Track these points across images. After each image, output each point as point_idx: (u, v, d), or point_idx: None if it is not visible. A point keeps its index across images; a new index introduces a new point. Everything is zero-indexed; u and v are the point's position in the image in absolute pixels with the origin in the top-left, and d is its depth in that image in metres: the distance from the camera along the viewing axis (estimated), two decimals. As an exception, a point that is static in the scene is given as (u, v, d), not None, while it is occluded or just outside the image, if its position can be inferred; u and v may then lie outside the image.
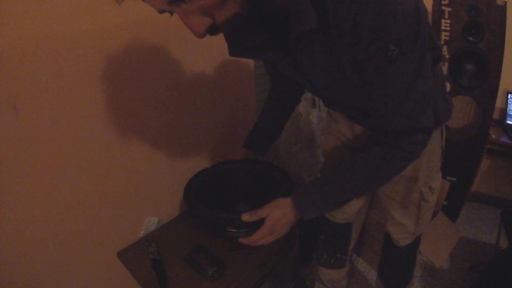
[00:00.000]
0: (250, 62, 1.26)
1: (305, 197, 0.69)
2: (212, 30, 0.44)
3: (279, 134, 1.03)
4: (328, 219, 1.11)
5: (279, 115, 1.01)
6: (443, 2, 1.45)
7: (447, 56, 1.50)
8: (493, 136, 1.64)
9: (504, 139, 1.65)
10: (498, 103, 1.66)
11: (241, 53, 0.60)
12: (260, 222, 0.70)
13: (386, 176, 0.66)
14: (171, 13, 0.44)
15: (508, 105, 1.75)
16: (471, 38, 1.44)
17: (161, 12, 0.43)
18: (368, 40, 0.46)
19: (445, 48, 1.50)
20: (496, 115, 1.74)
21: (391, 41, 0.45)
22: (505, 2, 1.35)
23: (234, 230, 0.88)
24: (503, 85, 1.56)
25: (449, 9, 1.45)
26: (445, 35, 1.49)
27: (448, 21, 1.46)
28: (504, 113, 1.77)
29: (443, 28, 1.48)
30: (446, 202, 1.59)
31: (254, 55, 0.62)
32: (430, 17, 1.47)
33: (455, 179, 1.63)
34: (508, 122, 1.76)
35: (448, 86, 1.51)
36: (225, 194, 1.01)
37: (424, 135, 0.59)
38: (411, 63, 0.49)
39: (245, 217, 0.71)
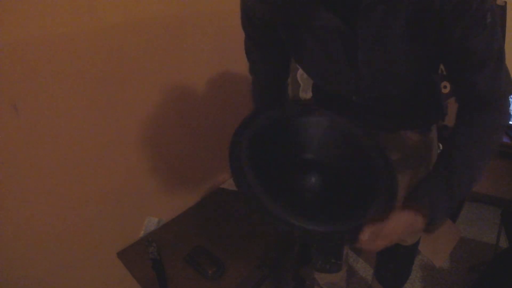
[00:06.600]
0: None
1: (431, 199, 0.57)
2: None
3: None
4: None
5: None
6: (443, 2, 1.45)
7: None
8: (493, 136, 1.63)
9: (504, 139, 1.65)
10: (498, 103, 1.66)
11: (283, 11, 0.50)
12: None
13: (496, 146, 0.62)
14: None
15: (508, 105, 1.75)
16: (471, 38, 1.44)
17: None
18: (468, 5, 0.49)
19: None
20: (496, 115, 1.74)
21: (487, 10, 0.50)
22: (505, 2, 1.35)
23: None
24: (503, 85, 1.55)
25: (449, 9, 1.44)
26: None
27: (448, 21, 1.46)
28: (504, 113, 1.77)
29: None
30: (446, 202, 1.59)
31: (303, 14, 0.51)
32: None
33: (455, 179, 1.63)
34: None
35: (448, 86, 1.51)
36: (285, 157, 0.66)
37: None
38: (497, 32, 0.54)
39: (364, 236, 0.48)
